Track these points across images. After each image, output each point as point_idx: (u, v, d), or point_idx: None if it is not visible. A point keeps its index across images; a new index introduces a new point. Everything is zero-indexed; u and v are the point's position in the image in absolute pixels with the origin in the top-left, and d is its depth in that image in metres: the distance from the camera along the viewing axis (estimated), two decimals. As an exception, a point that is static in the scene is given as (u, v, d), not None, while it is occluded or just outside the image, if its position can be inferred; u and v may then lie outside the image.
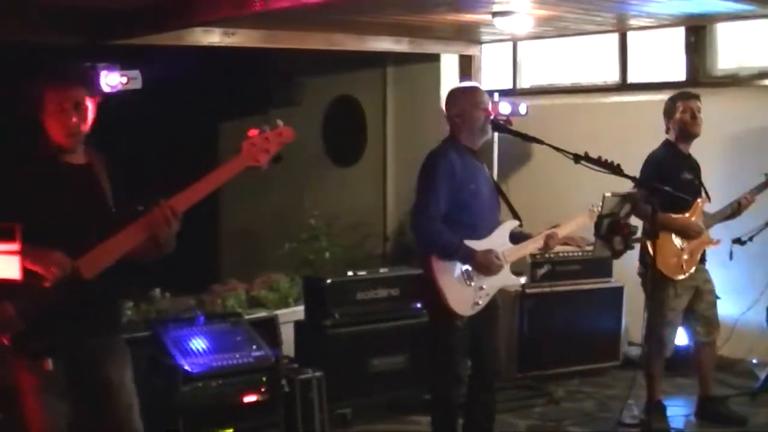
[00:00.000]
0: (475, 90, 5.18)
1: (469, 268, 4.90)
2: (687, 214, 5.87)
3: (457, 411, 5.07)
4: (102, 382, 3.88)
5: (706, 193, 5.99)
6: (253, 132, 3.70)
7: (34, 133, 3.84)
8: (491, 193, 5.11)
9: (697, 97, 5.96)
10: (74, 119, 3.77)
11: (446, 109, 5.11)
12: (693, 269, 5.90)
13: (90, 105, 3.83)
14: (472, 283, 4.91)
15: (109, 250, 3.69)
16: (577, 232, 5.29)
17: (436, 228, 4.85)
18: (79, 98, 3.79)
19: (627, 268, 6.47)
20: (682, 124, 5.89)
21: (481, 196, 4.99)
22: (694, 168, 5.99)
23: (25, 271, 3.49)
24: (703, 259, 6.01)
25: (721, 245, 6.13)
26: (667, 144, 6.00)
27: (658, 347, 5.86)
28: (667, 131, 6.00)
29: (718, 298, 6.08)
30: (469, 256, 4.87)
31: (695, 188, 5.90)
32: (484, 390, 5.18)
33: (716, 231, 6.07)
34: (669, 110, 5.96)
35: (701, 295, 6.02)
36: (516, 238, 5.10)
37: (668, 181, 5.42)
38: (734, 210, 5.99)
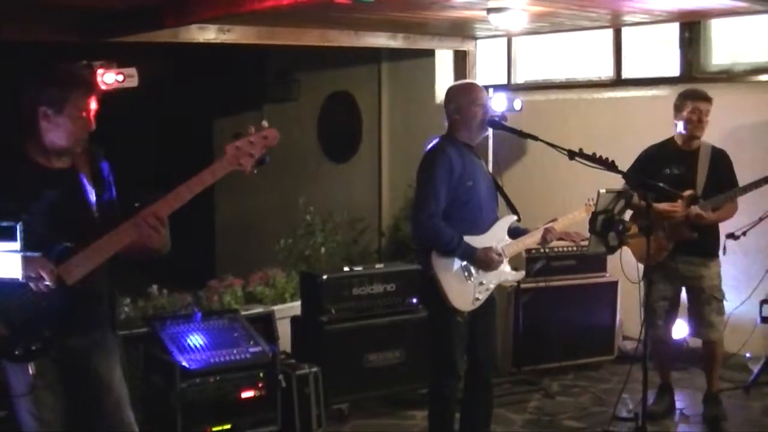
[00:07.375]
0: (473, 86, 5.21)
1: (469, 264, 4.94)
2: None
3: (454, 406, 5.10)
4: (91, 377, 3.90)
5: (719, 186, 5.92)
6: (238, 135, 3.62)
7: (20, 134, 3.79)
8: (489, 189, 5.13)
9: (708, 99, 5.90)
10: (93, 125, 3.78)
11: (445, 105, 5.13)
12: (664, 255, 5.89)
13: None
14: (472, 279, 4.94)
15: (91, 255, 3.65)
16: (573, 227, 5.32)
17: (437, 226, 4.87)
18: (96, 104, 3.80)
19: (621, 263, 6.50)
20: (687, 123, 5.91)
21: (479, 192, 5.01)
22: (687, 162, 5.94)
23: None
24: (698, 252, 5.93)
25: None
26: (664, 141, 6.04)
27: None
28: (675, 125, 6.01)
29: (720, 299, 5.98)
30: (469, 253, 4.90)
31: (682, 182, 5.84)
32: (482, 385, 5.21)
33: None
34: (678, 105, 5.96)
35: (693, 291, 6.01)
36: (514, 233, 5.14)
37: (650, 176, 5.62)
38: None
